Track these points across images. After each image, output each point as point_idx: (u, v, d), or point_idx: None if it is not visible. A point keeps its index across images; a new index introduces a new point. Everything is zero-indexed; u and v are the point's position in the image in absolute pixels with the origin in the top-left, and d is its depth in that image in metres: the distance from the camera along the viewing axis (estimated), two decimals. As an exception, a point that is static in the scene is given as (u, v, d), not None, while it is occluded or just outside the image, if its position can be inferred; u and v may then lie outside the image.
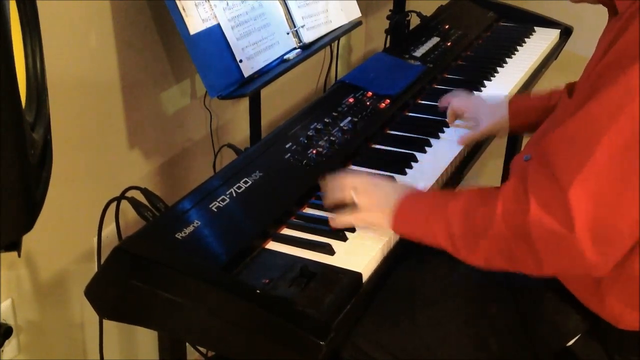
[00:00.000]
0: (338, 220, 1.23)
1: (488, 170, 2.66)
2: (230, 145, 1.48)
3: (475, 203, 1.12)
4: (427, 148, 1.54)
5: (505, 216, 1.06)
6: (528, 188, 1.04)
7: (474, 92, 1.76)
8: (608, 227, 0.99)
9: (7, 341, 1.18)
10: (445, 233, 1.13)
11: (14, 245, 0.83)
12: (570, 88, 1.23)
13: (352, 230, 1.25)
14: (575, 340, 1.20)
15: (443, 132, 1.62)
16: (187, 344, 1.36)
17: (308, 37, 1.78)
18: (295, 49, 1.73)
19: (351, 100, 1.66)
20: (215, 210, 1.23)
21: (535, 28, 2.28)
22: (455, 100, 1.62)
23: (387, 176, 1.39)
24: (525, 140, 1.75)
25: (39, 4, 0.90)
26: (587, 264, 1.02)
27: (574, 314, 1.18)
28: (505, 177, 1.52)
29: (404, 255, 1.31)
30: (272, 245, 1.21)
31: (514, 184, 1.08)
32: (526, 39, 2.20)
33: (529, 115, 1.54)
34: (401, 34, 2.27)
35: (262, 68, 1.64)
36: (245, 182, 1.31)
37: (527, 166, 1.26)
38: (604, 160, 0.98)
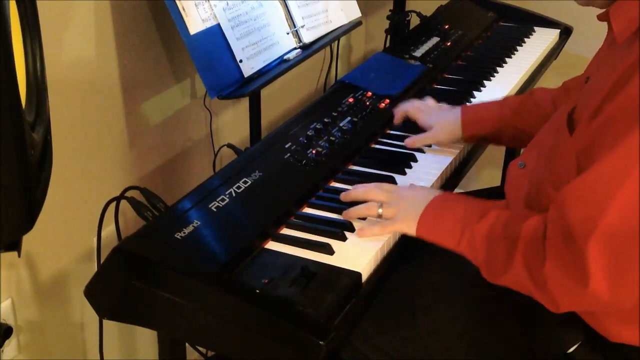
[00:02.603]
0: (368, 231, 1.24)
1: (488, 171, 2.66)
2: (230, 145, 1.48)
3: (498, 236, 1.14)
4: (426, 148, 1.54)
5: (524, 262, 1.09)
6: (546, 239, 1.07)
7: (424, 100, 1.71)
8: (625, 281, 1.02)
9: (7, 341, 1.18)
10: (470, 256, 1.18)
11: (14, 245, 0.83)
12: (570, 118, 1.21)
13: (352, 230, 1.25)
14: (575, 348, 1.20)
15: (443, 132, 1.61)
16: (187, 344, 1.36)
17: (308, 37, 1.78)
18: (295, 49, 1.73)
19: (351, 100, 1.66)
20: (215, 210, 1.23)
21: (535, 28, 2.28)
22: (409, 106, 1.61)
23: (413, 184, 1.37)
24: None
25: (39, 4, 0.90)
26: (603, 308, 1.09)
27: (574, 323, 1.18)
28: (503, 179, 1.52)
29: (404, 256, 1.31)
30: (272, 245, 1.22)
31: (535, 226, 1.10)
32: (526, 39, 2.20)
33: (483, 126, 1.54)
34: (401, 34, 2.27)
35: (262, 68, 1.64)
36: (245, 182, 1.31)
37: (522, 176, 1.27)
38: (617, 218, 1.00)
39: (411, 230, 1.23)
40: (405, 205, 1.25)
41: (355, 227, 1.25)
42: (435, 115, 1.56)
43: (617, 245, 1.00)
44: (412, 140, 1.53)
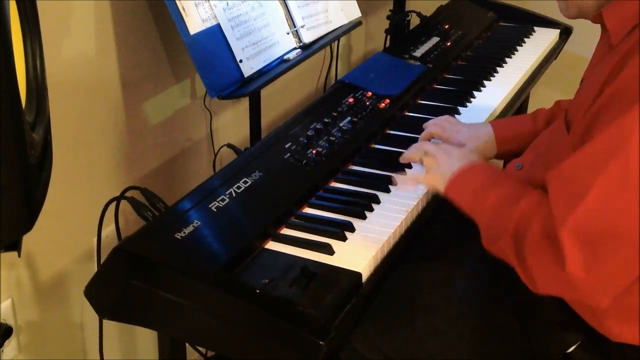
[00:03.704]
0: (402, 178, 1.36)
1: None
2: (230, 145, 1.48)
3: (504, 207, 1.15)
4: (427, 148, 1.54)
5: (513, 235, 1.09)
6: (534, 216, 1.07)
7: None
8: (601, 270, 1.01)
9: (7, 341, 1.18)
10: (478, 218, 1.19)
11: (14, 245, 0.83)
12: (567, 117, 1.22)
13: (352, 230, 1.25)
14: (575, 348, 1.20)
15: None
16: (187, 344, 1.36)
17: (308, 37, 1.78)
18: (295, 49, 1.73)
19: (351, 100, 1.66)
20: (215, 210, 1.23)
21: (535, 28, 2.28)
22: (431, 126, 1.56)
23: (461, 145, 1.44)
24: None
25: (39, 4, 0.91)
26: (581, 297, 1.08)
27: (574, 323, 1.18)
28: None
29: (404, 256, 1.31)
30: (272, 245, 1.22)
31: (531, 202, 1.11)
32: (526, 39, 2.20)
33: (519, 142, 1.51)
34: (401, 34, 2.27)
35: (262, 68, 1.64)
36: (245, 182, 1.31)
37: (519, 177, 1.27)
38: (595, 203, 1.00)
39: (441, 186, 1.27)
40: (444, 161, 1.30)
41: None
42: (464, 132, 1.52)
43: (595, 230, 1.00)
44: None
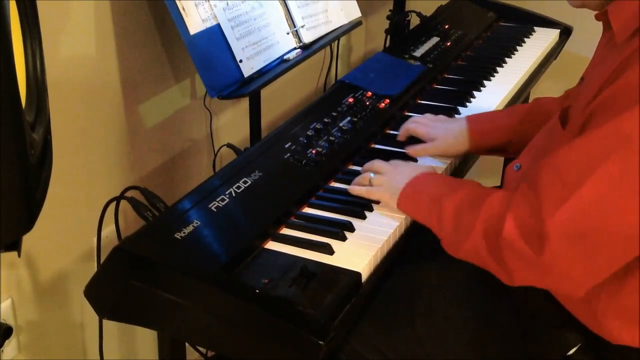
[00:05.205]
0: (356, 189, 1.34)
1: (488, 170, 2.66)
2: (230, 145, 1.48)
3: (466, 206, 1.15)
4: (426, 148, 1.54)
5: (484, 228, 1.10)
6: (510, 206, 1.07)
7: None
8: (585, 259, 1.02)
9: (7, 341, 1.18)
10: (437, 227, 1.20)
11: (14, 245, 0.83)
12: (564, 115, 1.22)
13: (352, 230, 1.25)
14: (575, 350, 1.19)
15: (443, 132, 1.61)
16: (187, 344, 1.36)
17: (308, 37, 1.78)
18: (295, 49, 1.73)
19: (351, 100, 1.66)
20: (215, 210, 1.23)
21: (535, 28, 2.28)
22: (409, 122, 1.57)
23: (410, 162, 1.45)
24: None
25: (39, 4, 0.91)
26: (556, 285, 1.09)
27: (574, 325, 1.18)
28: (502, 180, 1.52)
29: (403, 256, 1.31)
30: (272, 245, 1.22)
31: (501, 197, 1.12)
32: (526, 39, 2.20)
33: (491, 137, 1.52)
34: (401, 34, 2.27)
35: (262, 68, 1.64)
36: (245, 182, 1.31)
37: (518, 178, 1.27)
38: (589, 197, 1.00)
39: (392, 202, 1.28)
40: (393, 177, 1.31)
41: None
42: (439, 127, 1.53)
43: (585, 223, 1.00)
44: (414, 150, 1.50)
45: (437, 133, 1.52)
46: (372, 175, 1.34)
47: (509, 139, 1.52)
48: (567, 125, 1.18)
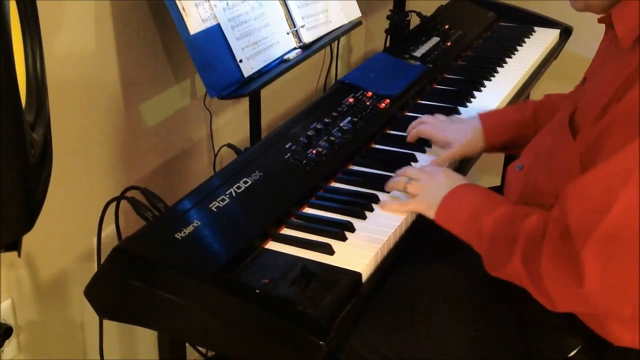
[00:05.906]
0: (388, 205, 1.31)
1: (488, 170, 2.66)
2: (230, 145, 1.48)
3: (503, 229, 1.14)
4: (426, 148, 1.54)
5: (523, 255, 1.09)
6: (545, 237, 1.07)
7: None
8: (620, 284, 1.01)
9: (7, 341, 1.18)
10: (476, 244, 1.19)
11: (14, 245, 0.83)
12: (571, 121, 1.20)
13: (352, 230, 1.25)
14: (575, 353, 1.19)
15: (443, 132, 1.61)
16: (187, 344, 1.36)
17: (308, 37, 1.78)
18: (295, 49, 1.73)
19: (351, 100, 1.66)
20: (215, 210, 1.23)
21: (535, 28, 2.28)
22: (417, 124, 1.55)
23: (447, 169, 1.40)
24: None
25: (39, 4, 0.91)
26: (600, 310, 1.08)
27: (575, 327, 1.18)
28: (504, 179, 1.51)
29: (404, 256, 1.31)
30: (272, 245, 1.21)
31: (536, 224, 1.10)
32: (526, 39, 2.20)
33: (506, 132, 1.51)
34: (401, 34, 2.27)
35: (262, 68, 1.64)
36: (245, 182, 1.31)
37: (520, 178, 1.27)
38: (619, 220, 0.99)
39: (430, 213, 1.26)
40: (430, 186, 1.28)
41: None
42: (452, 129, 1.51)
43: (615, 248, 1.00)
44: (442, 161, 1.47)
45: (453, 135, 1.49)
46: (406, 180, 1.31)
47: (522, 133, 1.50)
48: (577, 136, 1.16)
